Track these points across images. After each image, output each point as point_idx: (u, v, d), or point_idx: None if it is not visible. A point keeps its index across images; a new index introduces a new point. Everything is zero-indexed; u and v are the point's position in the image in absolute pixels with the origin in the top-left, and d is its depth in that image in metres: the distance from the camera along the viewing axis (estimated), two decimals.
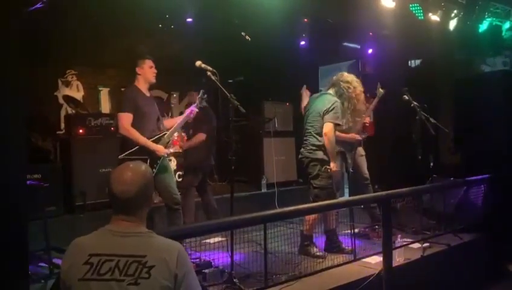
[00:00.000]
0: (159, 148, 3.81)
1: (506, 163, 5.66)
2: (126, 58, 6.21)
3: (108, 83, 6.84)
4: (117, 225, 1.73)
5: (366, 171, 5.16)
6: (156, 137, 3.86)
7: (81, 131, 5.20)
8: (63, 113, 6.38)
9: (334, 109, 4.13)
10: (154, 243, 1.71)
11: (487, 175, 5.29)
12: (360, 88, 4.35)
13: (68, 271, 1.66)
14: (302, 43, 6.35)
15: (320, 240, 4.45)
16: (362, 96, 4.39)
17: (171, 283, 1.63)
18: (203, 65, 3.70)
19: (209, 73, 3.65)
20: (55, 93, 6.46)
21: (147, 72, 3.91)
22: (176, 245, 1.73)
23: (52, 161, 5.40)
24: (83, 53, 6.22)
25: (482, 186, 5.36)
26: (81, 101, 6.43)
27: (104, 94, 6.88)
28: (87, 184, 4.95)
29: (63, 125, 6.17)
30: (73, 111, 5.96)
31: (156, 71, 3.98)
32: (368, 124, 5.15)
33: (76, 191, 4.91)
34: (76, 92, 6.62)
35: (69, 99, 6.19)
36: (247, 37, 6.27)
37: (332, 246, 4.33)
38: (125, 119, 3.75)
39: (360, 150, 5.19)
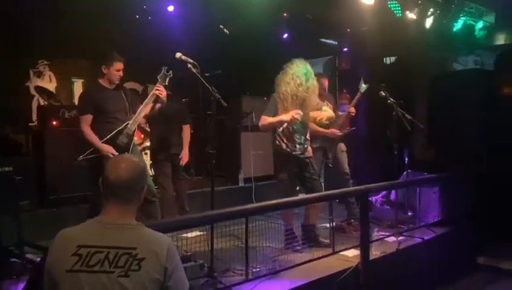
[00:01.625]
0: (107, 149, 3.70)
1: (478, 159, 5.83)
2: (100, 49, 6.13)
3: (83, 74, 6.69)
4: (107, 215, 1.71)
5: (347, 167, 5.22)
6: (117, 130, 3.79)
7: (54, 123, 5.06)
8: (34, 104, 6.20)
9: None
10: (144, 235, 1.70)
11: (460, 171, 5.43)
12: (288, 77, 4.17)
13: (54, 263, 1.63)
14: (285, 36, 6.32)
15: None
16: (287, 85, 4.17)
17: (161, 276, 1.62)
18: (183, 57, 3.64)
19: (189, 65, 3.60)
20: (26, 84, 6.27)
21: (111, 74, 3.88)
22: (166, 239, 1.73)
23: (24, 153, 5.23)
24: (56, 43, 6.04)
25: (454, 181, 5.51)
26: (54, 92, 6.26)
27: (78, 86, 6.72)
28: (61, 177, 4.82)
29: (35, 117, 5.99)
30: (46, 102, 5.79)
31: (121, 75, 3.93)
32: (353, 114, 5.12)
33: (49, 185, 4.78)
34: (49, 83, 6.45)
35: (41, 90, 6.02)
36: (225, 30, 6.21)
37: (310, 238, 4.36)
38: (84, 121, 3.78)
39: (342, 146, 5.25)
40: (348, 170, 5.22)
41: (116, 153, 3.66)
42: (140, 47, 6.38)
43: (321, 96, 4.60)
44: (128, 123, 3.84)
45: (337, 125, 5.05)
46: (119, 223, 1.69)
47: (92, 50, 6.20)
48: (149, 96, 3.89)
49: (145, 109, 3.89)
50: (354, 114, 5.10)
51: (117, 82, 3.94)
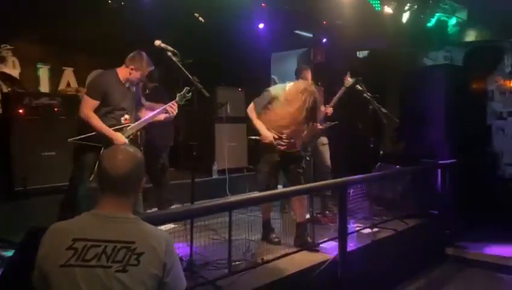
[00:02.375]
0: (118, 137, 3.56)
1: (447, 152, 5.99)
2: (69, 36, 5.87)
3: (49, 61, 6.38)
4: (104, 208, 1.63)
5: (328, 160, 5.25)
6: (116, 127, 3.62)
7: (20, 111, 4.80)
8: None
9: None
10: (143, 229, 1.63)
11: (430, 164, 5.56)
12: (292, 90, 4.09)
13: (47, 257, 1.53)
14: (261, 26, 6.23)
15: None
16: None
17: (159, 271, 1.56)
18: (162, 45, 3.52)
19: (169, 53, 3.49)
20: None
21: (135, 77, 3.70)
22: (164, 234, 1.68)
23: None
24: (20, 27, 5.72)
25: (426, 174, 5.64)
26: (18, 78, 5.94)
27: (44, 72, 6.41)
28: (29, 168, 4.59)
29: None
30: (9, 89, 5.49)
31: (142, 81, 3.83)
32: (329, 114, 5.16)
33: (16, 176, 4.54)
34: (13, 68, 6.08)
35: (4, 76, 5.70)
36: (200, 19, 6.06)
37: (300, 238, 4.17)
38: (89, 104, 3.57)
39: (323, 139, 5.28)
40: (329, 164, 5.24)
41: (123, 141, 3.55)
42: (111, 34, 6.15)
43: None
44: (128, 125, 3.68)
45: (319, 119, 5.05)
46: (117, 216, 1.61)
47: (59, 35, 5.95)
48: (159, 109, 3.73)
49: (151, 119, 3.75)
50: (332, 111, 5.13)
51: (134, 84, 3.78)
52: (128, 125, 3.68)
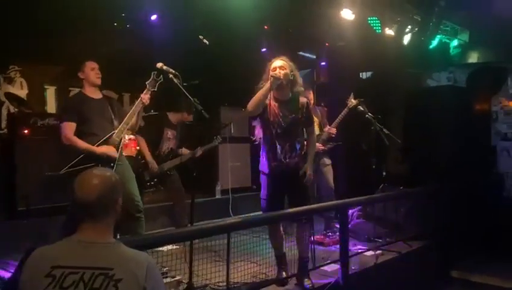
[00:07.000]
0: (107, 151, 3.60)
1: (450, 174, 5.95)
2: (74, 57, 5.98)
3: (55, 82, 6.47)
4: (83, 234, 1.63)
5: (331, 182, 5.21)
6: (102, 140, 3.66)
7: (25, 131, 4.86)
8: (4, 111, 5.94)
9: None
10: (122, 254, 1.63)
11: (434, 185, 5.52)
12: None
13: (27, 283, 1.54)
14: (264, 50, 6.32)
15: None
16: None
17: None
18: (164, 67, 3.57)
19: (171, 76, 3.54)
20: None
21: (89, 75, 3.75)
22: (145, 257, 1.66)
23: None
24: (28, 48, 5.83)
25: (429, 196, 5.59)
26: (25, 99, 6.04)
27: (51, 93, 6.49)
28: (31, 188, 4.61)
29: (4, 125, 5.75)
30: (16, 110, 5.58)
31: (99, 73, 3.80)
32: (333, 135, 5.16)
33: (19, 195, 4.56)
34: (20, 89, 6.20)
35: (11, 97, 5.80)
36: (205, 41, 6.15)
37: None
38: (68, 128, 3.59)
39: (325, 160, 5.25)
40: (332, 185, 5.20)
41: (115, 154, 3.60)
42: (116, 55, 6.24)
43: None
44: (113, 133, 3.71)
45: (321, 140, 5.06)
46: (95, 241, 1.62)
47: (65, 57, 6.05)
48: (136, 104, 3.76)
49: (130, 118, 3.75)
50: (335, 131, 5.13)
51: (98, 82, 3.79)
52: (113, 134, 3.70)
